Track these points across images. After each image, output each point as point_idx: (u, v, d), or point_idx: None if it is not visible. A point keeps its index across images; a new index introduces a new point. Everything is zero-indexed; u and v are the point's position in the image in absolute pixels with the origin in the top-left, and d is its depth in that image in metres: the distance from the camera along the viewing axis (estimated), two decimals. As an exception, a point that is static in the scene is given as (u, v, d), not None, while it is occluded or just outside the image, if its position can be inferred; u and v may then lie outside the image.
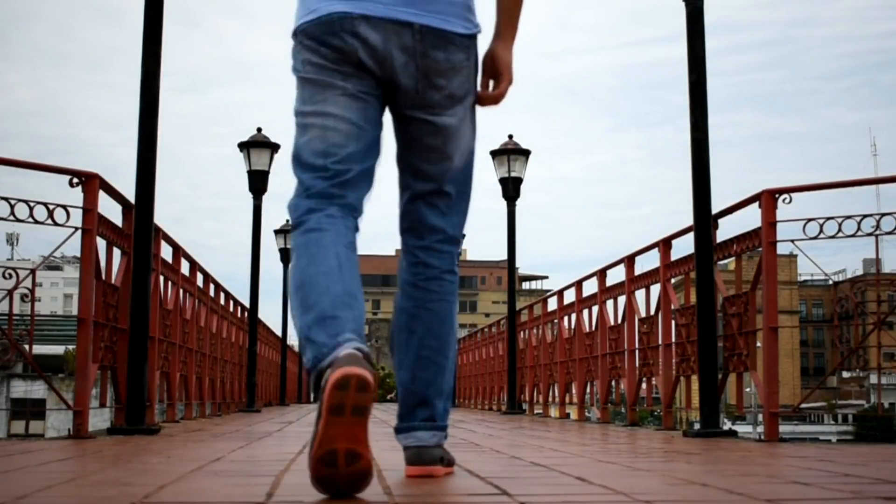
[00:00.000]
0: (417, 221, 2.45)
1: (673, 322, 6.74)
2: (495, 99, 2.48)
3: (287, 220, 19.03)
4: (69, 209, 4.81)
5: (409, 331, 2.45)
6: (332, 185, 2.27)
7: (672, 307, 6.82)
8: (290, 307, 2.23)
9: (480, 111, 2.50)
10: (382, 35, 2.26)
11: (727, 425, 5.69)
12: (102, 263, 5.28)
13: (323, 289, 2.15)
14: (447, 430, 2.54)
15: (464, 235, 2.55)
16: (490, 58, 2.47)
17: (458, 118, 2.39)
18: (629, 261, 7.93)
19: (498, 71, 2.47)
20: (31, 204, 4.64)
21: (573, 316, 9.70)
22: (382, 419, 8.00)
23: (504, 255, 12.76)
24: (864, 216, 4.98)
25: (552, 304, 11.05)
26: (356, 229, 2.30)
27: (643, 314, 7.48)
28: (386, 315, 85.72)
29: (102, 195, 5.08)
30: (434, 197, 2.44)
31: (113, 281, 5.44)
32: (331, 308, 2.12)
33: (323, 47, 2.28)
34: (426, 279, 2.44)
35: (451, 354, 2.47)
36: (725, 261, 5.99)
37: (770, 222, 5.24)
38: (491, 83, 2.49)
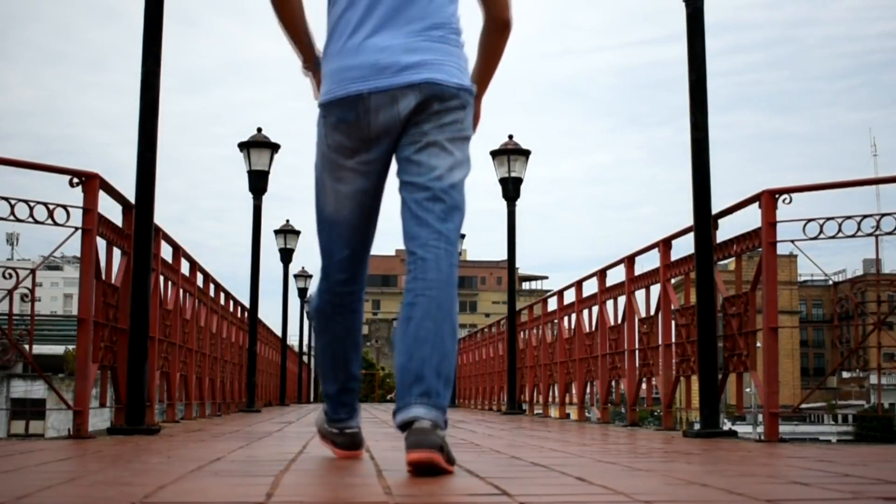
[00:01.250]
0: (415, 224, 2.69)
1: (673, 322, 6.74)
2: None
3: (287, 220, 19.04)
4: (69, 209, 4.81)
5: (407, 319, 2.60)
6: (348, 259, 2.89)
7: (672, 307, 6.83)
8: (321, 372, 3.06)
9: (478, 126, 2.93)
10: (389, 101, 2.67)
11: (727, 425, 5.69)
12: (102, 263, 5.27)
13: (334, 375, 3.03)
14: (447, 415, 2.59)
15: (463, 236, 2.74)
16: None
17: (446, 139, 2.71)
18: (629, 261, 7.93)
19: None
20: (32, 204, 4.64)
21: (573, 316, 9.70)
22: (383, 419, 7.99)
23: (504, 255, 12.77)
24: (864, 216, 4.98)
25: (552, 304, 11.05)
26: (361, 304, 2.99)
27: (643, 314, 7.48)
28: (385, 315, 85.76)
29: (102, 195, 5.08)
30: (430, 202, 2.68)
31: (113, 281, 5.44)
32: (338, 393, 3.04)
33: (341, 123, 2.73)
34: (423, 273, 2.62)
35: (447, 337, 2.58)
36: (725, 261, 5.99)
37: (770, 222, 5.24)
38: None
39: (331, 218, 2.86)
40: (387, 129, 2.70)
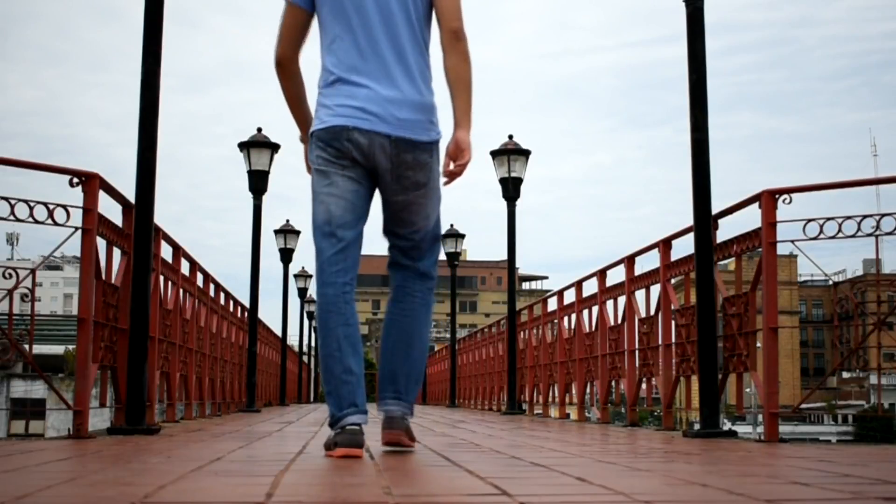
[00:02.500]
0: (398, 264, 3.49)
1: (673, 322, 6.74)
2: (458, 173, 3.34)
3: (287, 220, 19.04)
4: (69, 209, 4.81)
5: (387, 334, 3.44)
6: (337, 253, 3.28)
7: (672, 307, 6.83)
8: (322, 362, 3.32)
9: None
10: (368, 140, 3.23)
11: (727, 426, 5.69)
12: (102, 263, 5.28)
13: (331, 370, 3.28)
14: (412, 408, 3.42)
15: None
16: (454, 143, 3.31)
17: (424, 198, 3.35)
18: (629, 261, 7.93)
19: (460, 150, 3.30)
20: (32, 204, 4.64)
21: (573, 316, 9.70)
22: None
23: (504, 256, 12.76)
24: (864, 216, 4.98)
25: (552, 304, 11.05)
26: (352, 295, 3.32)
27: (643, 314, 7.48)
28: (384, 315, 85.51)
29: (102, 195, 5.08)
30: (410, 250, 3.46)
31: (113, 281, 5.44)
32: (336, 386, 3.25)
33: (329, 147, 3.26)
34: (402, 298, 3.44)
35: (415, 353, 3.38)
36: (725, 261, 5.99)
37: (770, 223, 5.24)
38: (452, 164, 3.32)
39: (322, 218, 3.30)
40: (366, 160, 3.25)
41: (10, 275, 4.61)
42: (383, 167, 3.26)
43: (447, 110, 3.37)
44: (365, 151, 3.23)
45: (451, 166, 3.32)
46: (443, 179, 3.37)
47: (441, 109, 3.38)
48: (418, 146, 3.26)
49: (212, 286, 9.80)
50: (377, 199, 3.43)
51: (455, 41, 3.31)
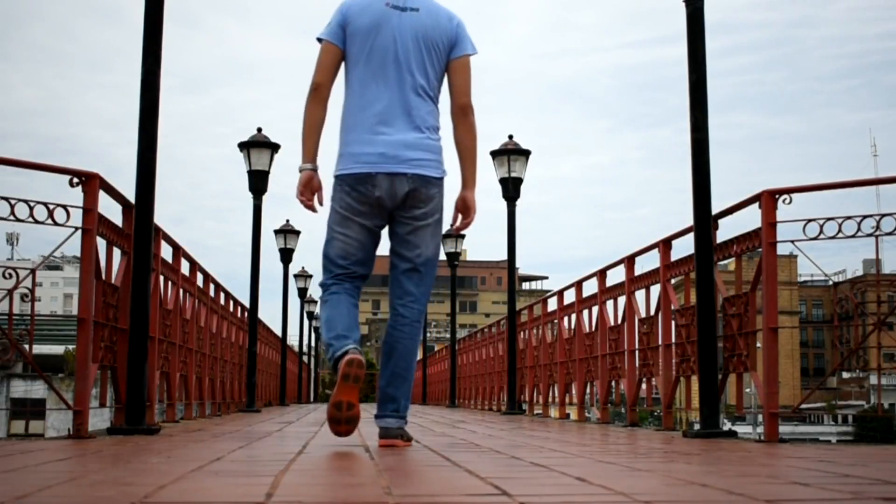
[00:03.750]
0: (399, 287, 3.92)
1: (673, 322, 6.74)
2: (465, 227, 4.05)
3: (287, 220, 19.05)
4: (69, 209, 4.81)
5: (387, 356, 3.89)
6: (347, 277, 3.92)
7: (672, 307, 6.83)
8: (322, 329, 3.87)
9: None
10: (389, 181, 3.75)
11: (727, 426, 5.69)
12: (102, 263, 5.28)
13: (338, 322, 3.82)
14: (406, 419, 3.93)
15: (462, 236, 4.31)
16: (461, 200, 3.98)
17: (428, 226, 3.87)
18: (629, 261, 7.93)
19: (467, 207, 3.99)
20: (32, 204, 4.64)
21: (573, 316, 9.70)
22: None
23: (504, 256, 12.76)
24: (864, 217, 4.98)
25: (552, 304, 11.05)
26: (358, 292, 3.95)
27: (643, 314, 7.48)
28: (385, 315, 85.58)
29: (102, 195, 5.08)
30: (410, 273, 3.90)
31: (113, 281, 5.44)
32: (343, 331, 3.78)
33: (354, 191, 3.79)
34: (401, 325, 3.90)
35: (410, 375, 3.90)
36: (725, 261, 5.99)
37: (770, 223, 5.24)
38: (460, 217, 4.00)
39: (338, 253, 3.90)
40: (389, 198, 3.78)
41: (10, 275, 4.61)
42: (399, 200, 3.78)
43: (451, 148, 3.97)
44: (386, 191, 3.76)
45: (459, 220, 4.01)
46: (449, 227, 4.04)
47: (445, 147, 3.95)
48: (429, 181, 3.80)
49: (212, 286, 9.80)
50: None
51: (463, 115, 3.89)
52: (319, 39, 3.87)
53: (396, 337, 3.88)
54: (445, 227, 4.01)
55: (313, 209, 3.88)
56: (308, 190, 3.84)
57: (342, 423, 3.65)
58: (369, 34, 3.79)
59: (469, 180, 3.95)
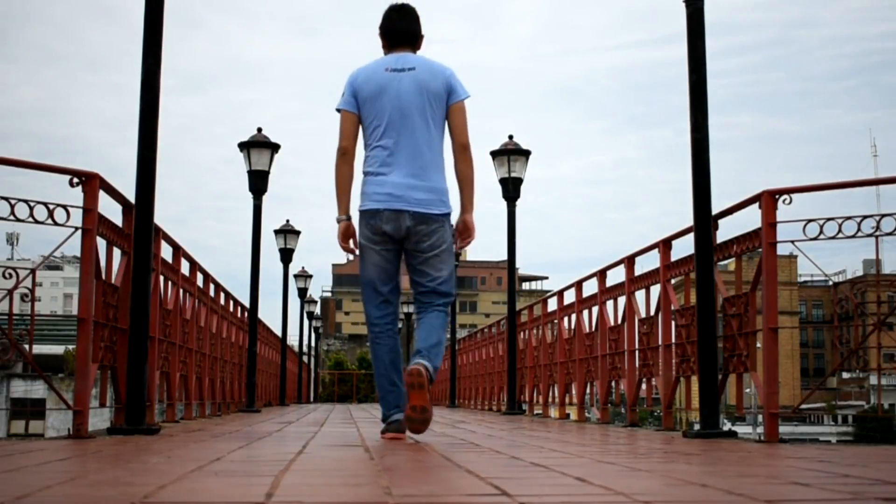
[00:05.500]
0: (421, 303, 4.58)
1: (673, 323, 6.74)
2: (464, 246, 4.71)
3: (287, 220, 19.05)
4: (69, 209, 4.81)
5: (418, 328, 4.52)
6: (382, 303, 4.56)
7: (672, 308, 6.83)
8: (374, 365, 4.60)
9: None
10: (395, 216, 4.40)
11: (727, 426, 5.69)
12: (102, 263, 5.28)
13: (381, 385, 4.55)
14: (435, 372, 4.36)
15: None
16: (462, 223, 4.62)
17: (437, 256, 4.49)
18: (629, 261, 7.93)
19: (467, 228, 4.63)
20: (32, 204, 4.64)
21: (573, 316, 9.70)
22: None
23: (504, 256, 12.75)
24: (865, 217, 4.98)
25: (552, 304, 11.05)
26: (397, 334, 4.62)
27: (643, 315, 7.48)
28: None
29: (103, 195, 5.08)
30: (429, 293, 4.55)
31: (113, 281, 5.44)
32: (385, 394, 4.54)
33: (368, 224, 4.47)
34: (424, 311, 4.54)
35: (437, 337, 4.46)
36: (725, 261, 5.99)
37: (770, 223, 5.24)
38: (460, 239, 4.65)
39: (367, 279, 4.55)
40: (395, 232, 4.42)
41: (10, 275, 4.61)
42: (406, 234, 4.41)
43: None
44: (392, 224, 4.40)
45: (459, 241, 4.64)
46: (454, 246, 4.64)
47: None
48: (431, 218, 4.41)
49: (212, 286, 9.80)
50: None
51: (462, 152, 4.53)
52: (338, 110, 4.53)
53: (423, 320, 4.55)
54: None
55: (353, 252, 4.61)
56: (346, 237, 4.55)
57: (417, 423, 4.23)
58: (377, 97, 4.45)
59: (468, 205, 4.61)
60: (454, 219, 4.60)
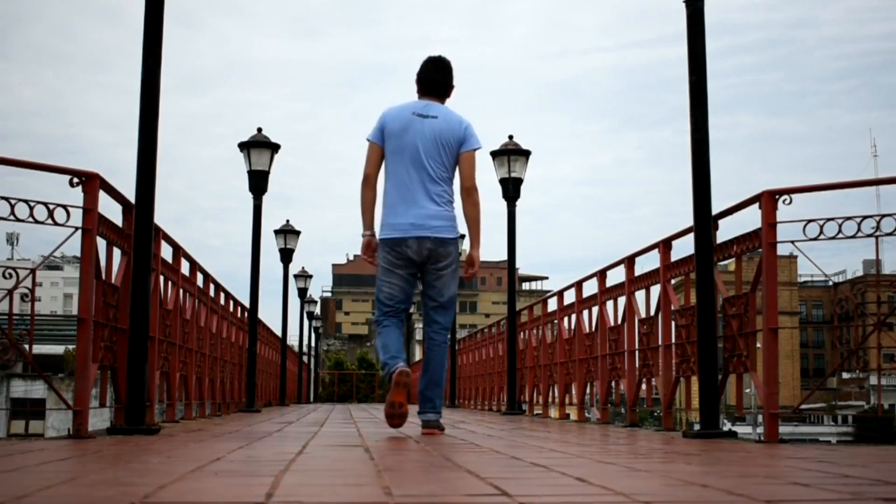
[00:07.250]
0: (430, 319, 5.26)
1: (673, 323, 6.74)
2: (471, 276, 5.37)
3: (287, 220, 19.05)
4: (69, 209, 4.81)
5: (425, 369, 5.22)
6: (393, 313, 5.18)
7: (672, 308, 6.82)
8: (378, 351, 5.13)
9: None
10: (417, 243, 5.04)
11: (727, 426, 5.69)
12: (102, 263, 5.27)
13: (391, 347, 5.06)
14: (441, 414, 5.28)
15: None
16: (469, 257, 5.30)
17: (447, 275, 5.16)
18: (629, 262, 7.93)
19: (472, 262, 5.31)
20: (32, 204, 4.64)
21: (573, 317, 9.70)
22: (383, 420, 7.99)
23: (504, 256, 12.75)
24: (865, 217, 4.98)
25: (552, 304, 11.05)
26: (402, 323, 5.22)
27: (643, 315, 7.48)
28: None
29: (103, 195, 5.08)
30: (438, 308, 5.24)
31: (113, 281, 5.44)
32: (394, 353, 5.01)
33: (392, 251, 5.08)
34: (433, 346, 5.25)
35: (442, 381, 5.26)
36: (725, 262, 5.99)
37: (770, 223, 5.24)
38: (465, 271, 5.28)
39: (386, 296, 5.17)
40: (415, 256, 5.06)
41: (10, 275, 4.61)
42: (425, 256, 5.06)
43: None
44: (415, 250, 5.04)
45: (465, 272, 5.27)
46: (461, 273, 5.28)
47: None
48: (446, 242, 5.07)
49: (212, 286, 9.80)
50: None
51: (468, 195, 5.15)
52: (368, 140, 5.15)
53: (430, 356, 5.22)
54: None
55: (375, 264, 5.18)
56: (369, 250, 5.18)
57: (395, 417, 4.82)
58: (400, 135, 5.07)
59: (474, 242, 5.27)
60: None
